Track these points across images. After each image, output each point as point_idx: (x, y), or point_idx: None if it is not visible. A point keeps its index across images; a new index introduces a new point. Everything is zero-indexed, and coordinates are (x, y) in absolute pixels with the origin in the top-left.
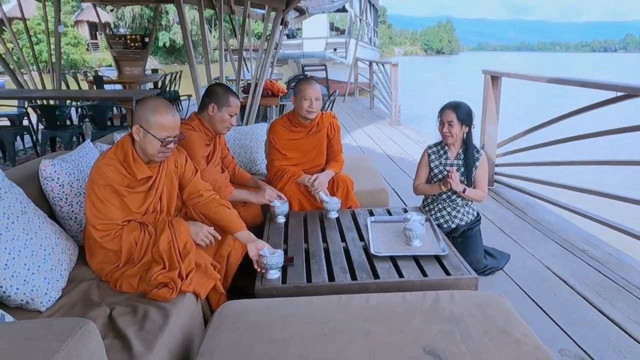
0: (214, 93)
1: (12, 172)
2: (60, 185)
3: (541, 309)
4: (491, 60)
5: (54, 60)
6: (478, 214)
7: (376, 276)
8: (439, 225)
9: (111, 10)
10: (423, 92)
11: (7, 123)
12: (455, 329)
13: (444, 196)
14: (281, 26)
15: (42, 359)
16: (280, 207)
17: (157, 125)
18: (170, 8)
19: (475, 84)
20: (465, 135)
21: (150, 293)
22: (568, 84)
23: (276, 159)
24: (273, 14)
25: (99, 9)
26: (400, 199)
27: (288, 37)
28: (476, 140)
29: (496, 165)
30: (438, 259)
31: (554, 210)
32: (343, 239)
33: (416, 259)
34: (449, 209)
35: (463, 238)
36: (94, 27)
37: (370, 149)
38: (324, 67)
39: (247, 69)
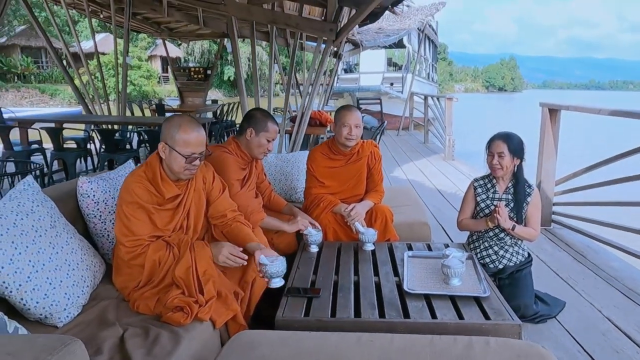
0: (253, 118)
1: (55, 187)
2: (95, 203)
3: None
4: (557, 97)
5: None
6: (529, 254)
7: (406, 315)
8: (484, 265)
9: (179, 45)
10: (481, 128)
11: (74, 145)
12: None
13: (491, 234)
14: (335, 59)
15: None
16: (314, 236)
17: (181, 141)
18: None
19: (537, 121)
20: (516, 168)
21: (164, 316)
22: (632, 116)
23: (313, 186)
24: (323, 45)
25: (171, 44)
26: (447, 234)
27: (346, 71)
28: (532, 177)
29: (554, 204)
30: (478, 301)
31: (619, 255)
32: (376, 273)
33: (453, 299)
34: (496, 248)
35: (511, 280)
36: (165, 62)
37: (420, 182)
38: (378, 101)
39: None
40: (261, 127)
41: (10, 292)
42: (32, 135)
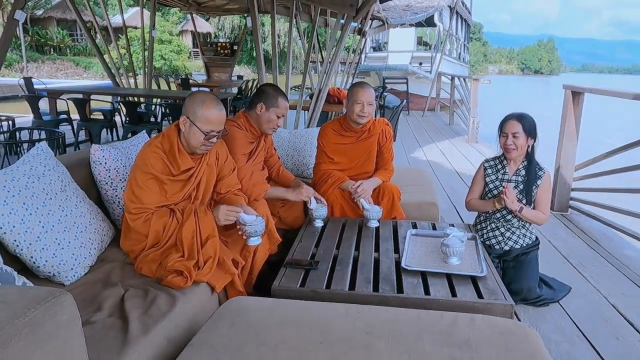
0: (264, 93)
1: (70, 155)
2: (106, 170)
3: (597, 353)
4: (594, 81)
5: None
6: (537, 238)
7: (400, 290)
8: (490, 247)
9: (208, 20)
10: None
11: (101, 117)
12: (465, 357)
13: (498, 215)
14: (360, 37)
15: (3, 322)
16: (318, 210)
17: (203, 118)
18: (266, 20)
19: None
20: (530, 148)
21: (165, 279)
22: None
23: (323, 162)
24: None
25: (202, 20)
26: (460, 216)
27: (374, 49)
28: (551, 160)
29: (572, 190)
30: (474, 280)
31: (635, 243)
32: (377, 250)
33: (449, 277)
34: (502, 229)
35: (515, 262)
36: (196, 37)
37: (439, 164)
38: (405, 81)
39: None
40: (272, 103)
41: (22, 250)
42: (62, 106)
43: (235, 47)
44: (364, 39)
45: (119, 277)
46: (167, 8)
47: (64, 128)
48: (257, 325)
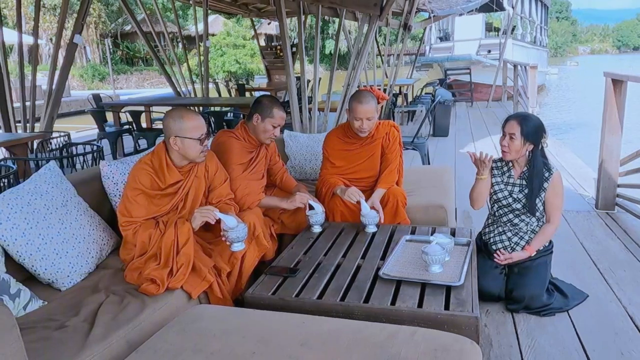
0: (260, 104)
1: (85, 171)
2: (114, 184)
3: None
4: None
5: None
6: (550, 242)
7: (367, 300)
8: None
9: (268, 24)
10: (592, 96)
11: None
12: None
13: (505, 219)
14: (405, 30)
15: None
16: (315, 216)
17: (189, 128)
18: (335, 19)
19: None
20: (530, 154)
21: (140, 287)
22: None
23: (324, 168)
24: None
25: (274, 23)
26: (473, 220)
27: (441, 39)
28: (594, 155)
29: (618, 186)
30: (449, 289)
31: None
32: (365, 256)
33: (424, 286)
34: (509, 234)
35: (520, 269)
36: (270, 40)
37: None
38: (468, 71)
39: (386, 75)
40: (267, 114)
41: (24, 260)
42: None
43: (294, 49)
44: (408, 33)
45: (106, 284)
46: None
47: (127, 138)
48: (204, 333)
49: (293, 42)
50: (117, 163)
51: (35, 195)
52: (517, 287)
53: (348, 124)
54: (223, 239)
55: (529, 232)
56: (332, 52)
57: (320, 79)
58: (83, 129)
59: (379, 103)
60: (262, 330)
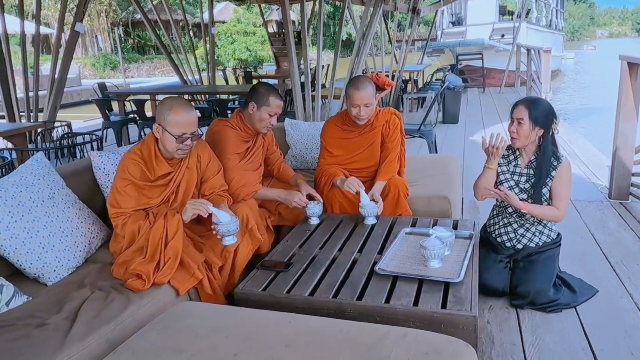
0: (256, 92)
1: (78, 162)
2: (105, 175)
3: None
4: None
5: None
6: (558, 235)
7: (361, 297)
8: (501, 245)
9: (277, 9)
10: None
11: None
12: None
13: (510, 210)
14: (414, 15)
15: None
16: (312, 208)
17: (172, 122)
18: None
19: None
20: (540, 140)
21: (126, 283)
22: None
23: (322, 157)
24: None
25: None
26: (480, 211)
27: (454, 24)
28: (609, 142)
29: (633, 175)
30: (448, 286)
31: None
32: (362, 250)
33: (422, 283)
34: (515, 226)
35: (526, 263)
36: (280, 26)
37: None
38: (481, 56)
39: (396, 61)
40: (263, 102)
41: (9, 254)
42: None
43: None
44: (418, 17)
45: (92, 279)
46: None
47: (133, 127)
48: (187, 332)
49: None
50: (108, 154)
51: (20, 187)
52: (523, 281)
53: (347, 111)
54: (214, 232)
55: (535, 223)
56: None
57: (329, 65)
58: (92, 119)
59: (385, 90)
60: (247, 330)
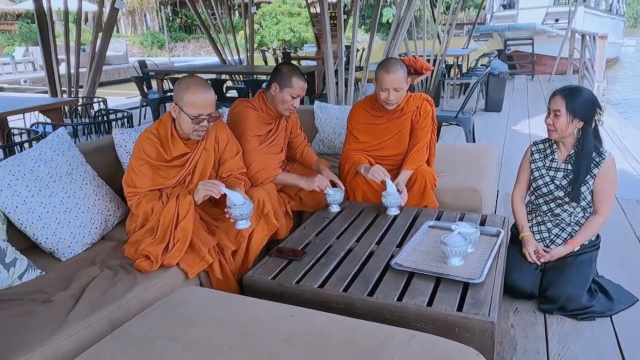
0: (279, 72)
1: (101, 139)
2: (127, 152)
3: None
4: None
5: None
6: (598, 237)
7: (372, 293)
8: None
9: None
10: None
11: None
12: None
13: (545, 208)
14: None
15: None
16: (333, 195)
17: (188, 103)
18: None
19: None
20: (580, 132)
21: (134, 263)
22: None
23: (347, 143)
24: None
25: None
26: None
27: (505, 7)
28: None
29: None
30: (467, 286)
31: None
32: (380, 242)
33: (440, 281)
34: (549, 225)
35: (558, 265)
36: (327, 7)
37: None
38: (531, 41)
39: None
40: (285, 83)
41: (25, 227)
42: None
43: (345, 17)
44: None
45: (103, 257)
46: None
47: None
48: (185, 319)
49: (345, 9)
50: (130, 131)
51: (39, 162)
52: (553, 284)
53: (376, 95)
54: (227, 215)
55: (572, 223)
56: (390, 21)
57: (363, 49)
58: (133, 96)
59: (423, 74)
60: (246, 321)
